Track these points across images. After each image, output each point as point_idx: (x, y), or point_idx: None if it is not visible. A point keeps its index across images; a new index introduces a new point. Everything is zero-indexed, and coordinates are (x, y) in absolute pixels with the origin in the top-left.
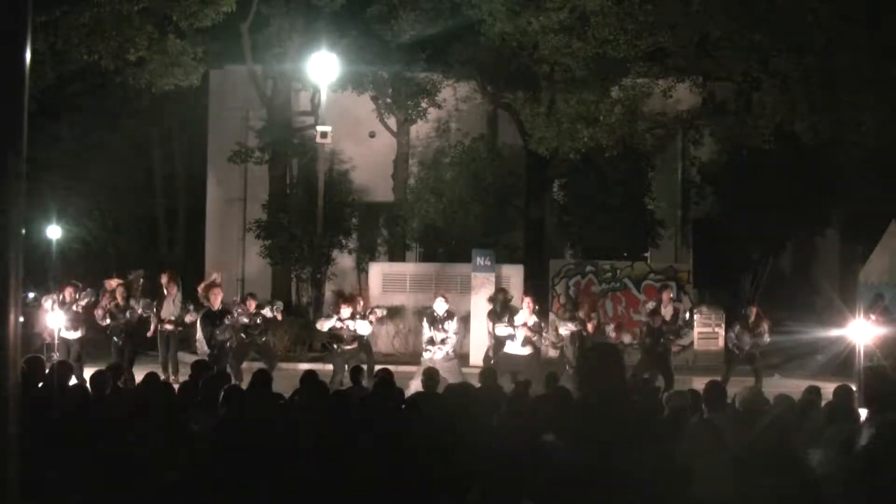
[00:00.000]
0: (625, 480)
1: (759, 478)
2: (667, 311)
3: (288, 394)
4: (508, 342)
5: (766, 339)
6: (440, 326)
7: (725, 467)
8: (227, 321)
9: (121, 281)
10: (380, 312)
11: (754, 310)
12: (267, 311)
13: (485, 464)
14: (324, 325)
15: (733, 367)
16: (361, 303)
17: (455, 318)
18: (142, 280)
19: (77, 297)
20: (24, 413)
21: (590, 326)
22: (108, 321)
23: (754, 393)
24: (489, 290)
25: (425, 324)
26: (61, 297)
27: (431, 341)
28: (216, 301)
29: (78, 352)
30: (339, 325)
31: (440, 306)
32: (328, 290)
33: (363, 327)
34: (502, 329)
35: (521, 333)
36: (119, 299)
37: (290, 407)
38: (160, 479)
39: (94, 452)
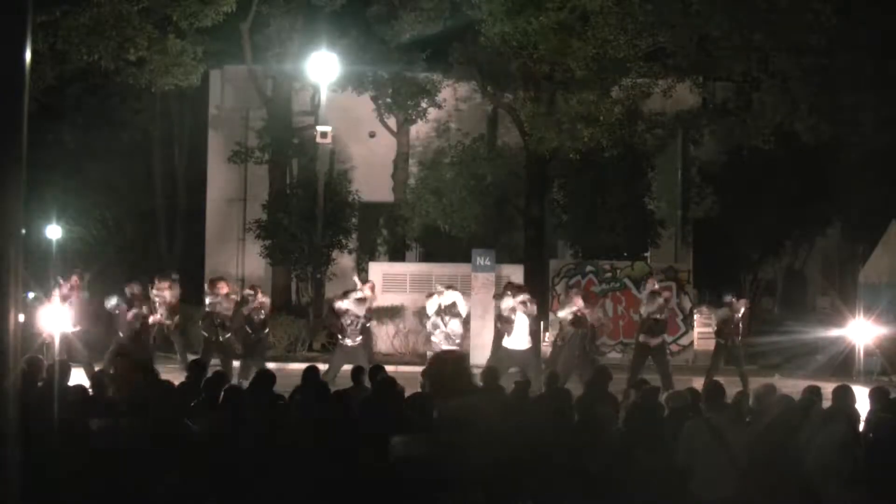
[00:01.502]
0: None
1: (759, 477)
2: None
3: (288, 393)
4: (507, 337)
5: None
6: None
7: (725, 466)
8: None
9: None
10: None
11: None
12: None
13: (487, 463)
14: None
15: (719, 360)
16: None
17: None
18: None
19: (81, 284)
20: (24, 413)
21: (590, 315)
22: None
23: (767, 390)
24: (489, 290)
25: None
26: (69, 284)
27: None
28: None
29: (82, 349)
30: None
31: (449, 297)
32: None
33: (351, 304)
34: (506, 302)
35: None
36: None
37: (290, 407)
38: (160, 479)
39: (93, 453)
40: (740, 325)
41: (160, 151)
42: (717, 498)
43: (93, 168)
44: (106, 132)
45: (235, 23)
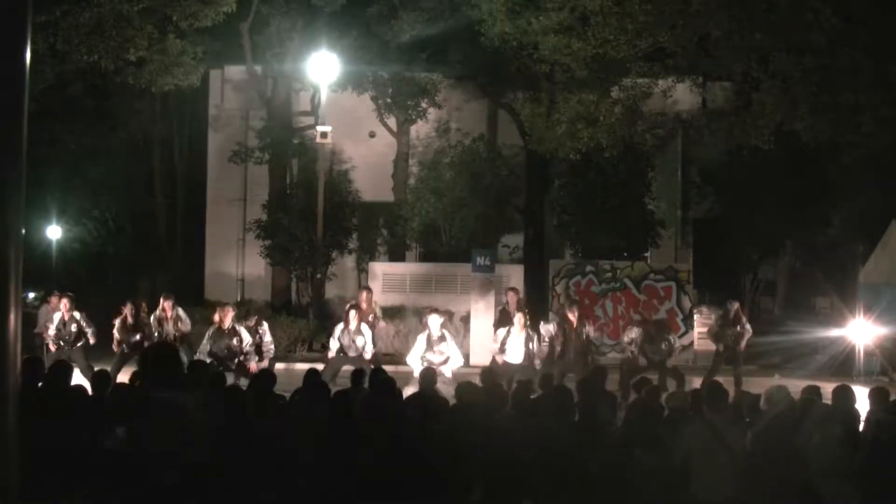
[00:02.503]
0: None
1: (759, 477)
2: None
3: (288, 394)
4: (505, 350)
5: (748, 329)
6: (435, 349)
7: (724, 466)
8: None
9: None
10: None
11: (736, 305)
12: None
13: (487, 463)
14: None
15: (718, 365)
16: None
17: (449, 339)
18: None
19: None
20: (24, 413)
21: (572, 317)
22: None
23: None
24: (489, 289)
25: (421, 342)
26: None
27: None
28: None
29: (82, 353)
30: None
31: (434, 324)
32: (328, 291)
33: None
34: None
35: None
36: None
37: (290, 407)
38: (160, 480)
39: (93, 452)
40: (737, 327)
41: (160, 151)
42: (716, 498)
43: (93, 168)
44: (106, 132)
45: (235, 23)
